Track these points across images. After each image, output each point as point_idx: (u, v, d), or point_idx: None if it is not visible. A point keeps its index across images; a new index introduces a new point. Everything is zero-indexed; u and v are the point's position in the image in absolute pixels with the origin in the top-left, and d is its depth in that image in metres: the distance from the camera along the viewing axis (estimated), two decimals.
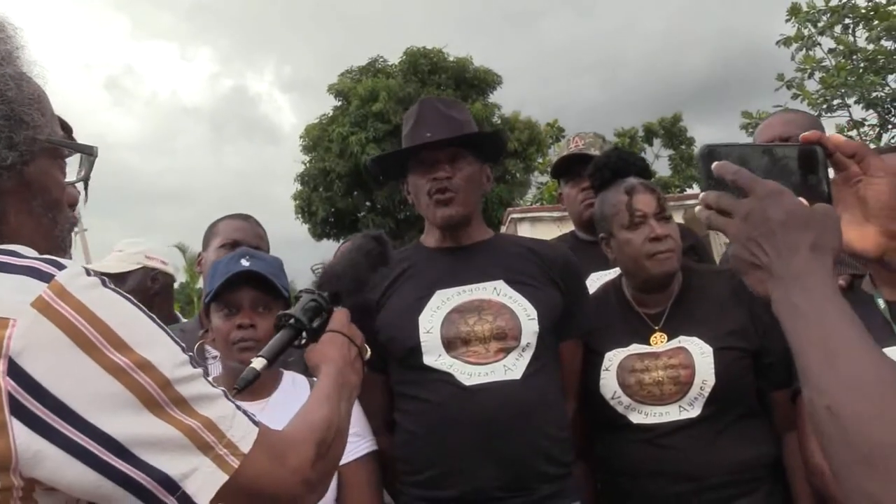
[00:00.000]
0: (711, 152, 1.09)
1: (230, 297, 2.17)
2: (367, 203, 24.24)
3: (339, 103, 25.32)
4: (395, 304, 2.37)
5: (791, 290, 0.96)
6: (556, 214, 13.44)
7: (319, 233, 25.29)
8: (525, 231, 14.97)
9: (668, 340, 2.36)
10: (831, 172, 1.13)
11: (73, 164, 1.26)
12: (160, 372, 1.01)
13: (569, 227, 3.51)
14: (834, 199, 1.10)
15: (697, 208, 1.10)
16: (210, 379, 1.12)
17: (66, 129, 1.76)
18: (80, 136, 1.19)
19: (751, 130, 16.60)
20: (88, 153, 1.25)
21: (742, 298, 2.33)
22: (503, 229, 15.88)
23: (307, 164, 25.43)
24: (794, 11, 17.70)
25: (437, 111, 2.42)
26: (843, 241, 1.06)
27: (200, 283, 3.20)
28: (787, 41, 17.85)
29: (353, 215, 24.59)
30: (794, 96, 17.45)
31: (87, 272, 1.01)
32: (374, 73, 25.39)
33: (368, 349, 1.59)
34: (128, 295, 1.05)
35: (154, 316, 1.07)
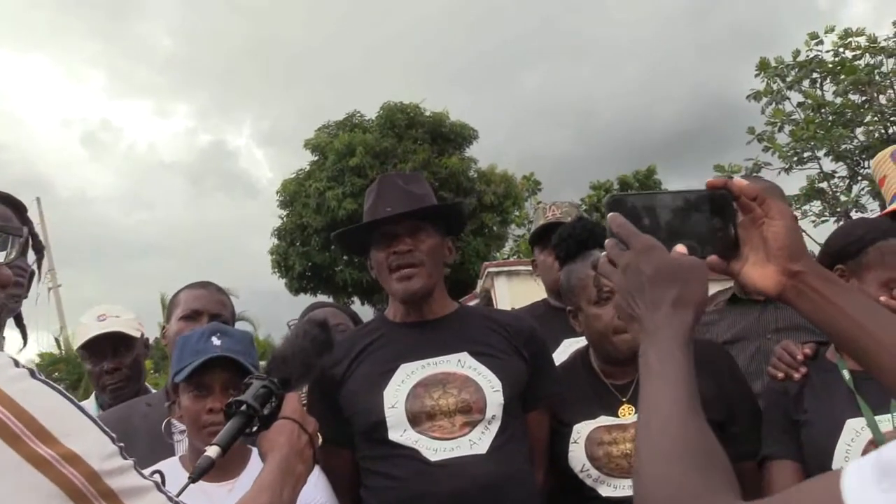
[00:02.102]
0: (615, 202, 1.15)
1: (201, 379, 2.15)
2: (344, 257, 24.22)
3: (316, 158, 25.44)
4: (359, 379, 2.35)
5: (648, 345, 1.03)
6: (532, 268, 13.48)
7: (296, 287, 25.20)
8: (502, 285, 14.99)
9: (637, 412, 2.36)
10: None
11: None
12: (87, 464, 1.00)
13: None
14: (741, 240, 1.17)
15: (602, 254, 1.15)
16: (141, 469, 1.10)
17: (19, 207, 1.75)
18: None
19: None
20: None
21: (707, 368, 2.34)
22: (480, 283, 15.88)
23: (284, 219, 25.44)
24: (763, 66, 18.05)
25: (396, 187, 2.45)
26: (748, 279, 1.16)
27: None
28: (756, 95, 18.15)
29: (330, 270, 24.55)
30: (766, 149, 17.72)
31: (16, 363, 1.01)
32: (351, 127, 25.57)
33: (320, 437, 1.60)
34: (56, 385, 1.04)
35: (83, 406, 1.06)
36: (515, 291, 14.35)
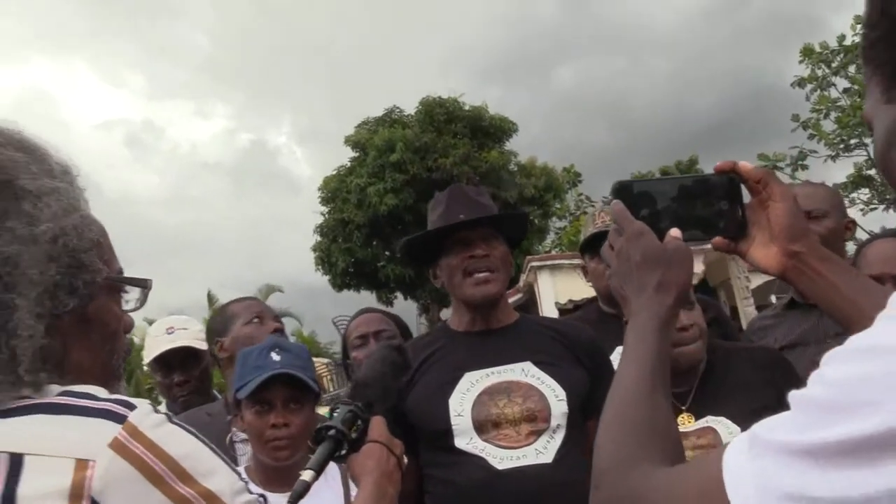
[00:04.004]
0: (622, 188, 1.21)
1: (263, 395, 2.23)
2: (387, 253, 24.33)
3: (357, 154, 25.54)
4: (424, 387, 2.40)
5: (630, 325, 1.11)
6: (575, 262, 13.41)
7: (339, 283, 25.36)
8: (546, 279, 14.95)
9: (696, 420, 2.35)
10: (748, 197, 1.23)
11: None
12: (222, 501, 1.08)
13: None
14: (749, 221, 1.21)
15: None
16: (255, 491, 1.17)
17: None
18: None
19: None
20: (143, 287, 1.31)
21: (767, 375, 2.33)
22: (523, 278, 15.86)
23: (326, 216, 25.61)
24: (807, 52, 17.77)
25: (466, 196, 2.51)
26: (753, 259, 1.21)
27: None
28: (801, 82, 17.88)
29: (373, 265, 24.67)
30: (811, 137, 17.44)
31: (155, 409, 1.09)
32: (391, 123, 25.61)
33: (406, 458, 1.65)
34: (190, 427, 1.13)
35: (213, 445, 1.14)
36: (559, 286, 14.33)
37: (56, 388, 1.07)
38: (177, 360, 3.27)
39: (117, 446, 1.01)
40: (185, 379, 3.28)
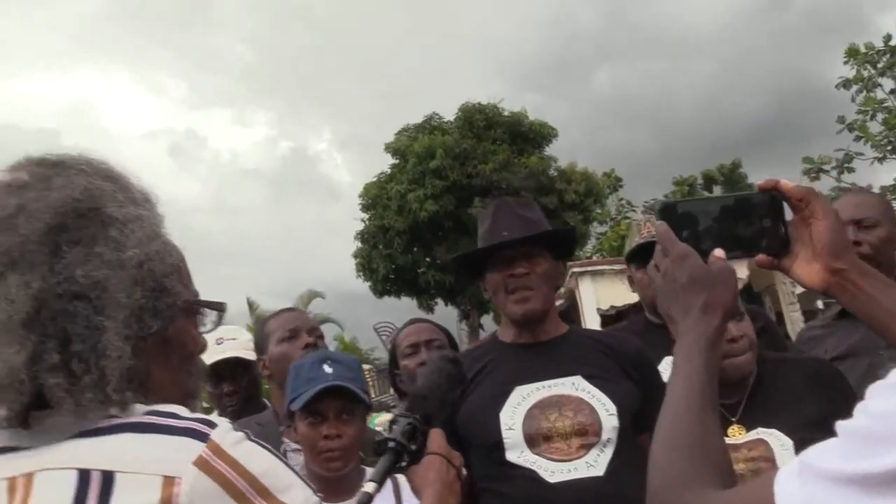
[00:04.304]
0: (666, 209, 1.24)
1: (315, 406, 2.28)
2: (427, 259, 24.38)
3: (397, 161, 25.62)
4: (475, 400, 2.43)
5: (678, 346, 1.15)
6: (617, 267, 13.33)
7: (380, 290, 25.42)
8: (587, 285, 14.88)
9: (747, 432, 2.35)
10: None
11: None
12: None
13: None
14: (792, 238, 1.25)
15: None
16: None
17: None
18: None
19: (812, 176, 16.35)
20: (219, 310, 1.37)
21: (818, 387, 2.33)
22: (564, 284, 15.79)
23: (366, 222, 25.71)
24: (852, 53, 17.46)
25: (511, 212, 2.55)
26: (797, 276, 1.25)
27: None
28: (846, 83, 17.56)
29: (413, 271, 24.72)
30: (857, 138, 17.13)
31: (234, 427, 1.13)
32: (430, 130, 25.62)
33: (464, 470, 1.67)
34: (267, 445, 1.17)
35: (287, 461, 1.18)
36: (601, 292, 14.26)
37: (141, 408, 1.11)
38: (226, 371, 3.32)
39: (202, 464, 1.05)
40: (235, 389, 3.33)
